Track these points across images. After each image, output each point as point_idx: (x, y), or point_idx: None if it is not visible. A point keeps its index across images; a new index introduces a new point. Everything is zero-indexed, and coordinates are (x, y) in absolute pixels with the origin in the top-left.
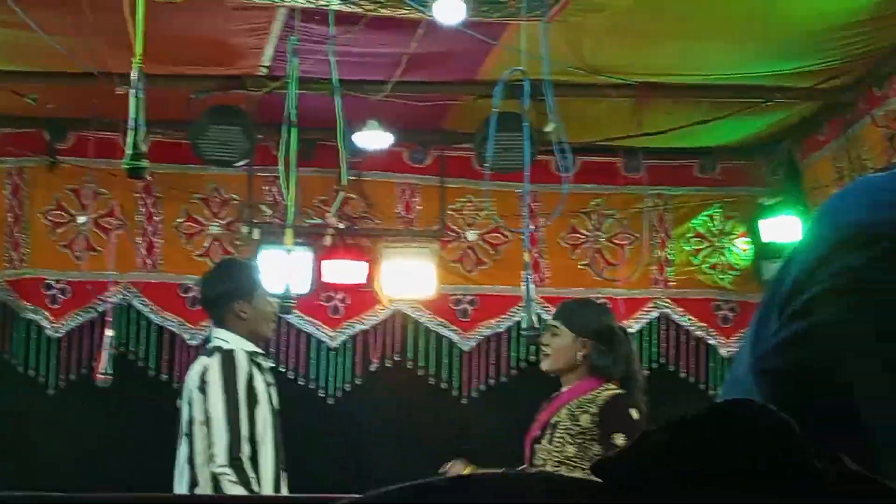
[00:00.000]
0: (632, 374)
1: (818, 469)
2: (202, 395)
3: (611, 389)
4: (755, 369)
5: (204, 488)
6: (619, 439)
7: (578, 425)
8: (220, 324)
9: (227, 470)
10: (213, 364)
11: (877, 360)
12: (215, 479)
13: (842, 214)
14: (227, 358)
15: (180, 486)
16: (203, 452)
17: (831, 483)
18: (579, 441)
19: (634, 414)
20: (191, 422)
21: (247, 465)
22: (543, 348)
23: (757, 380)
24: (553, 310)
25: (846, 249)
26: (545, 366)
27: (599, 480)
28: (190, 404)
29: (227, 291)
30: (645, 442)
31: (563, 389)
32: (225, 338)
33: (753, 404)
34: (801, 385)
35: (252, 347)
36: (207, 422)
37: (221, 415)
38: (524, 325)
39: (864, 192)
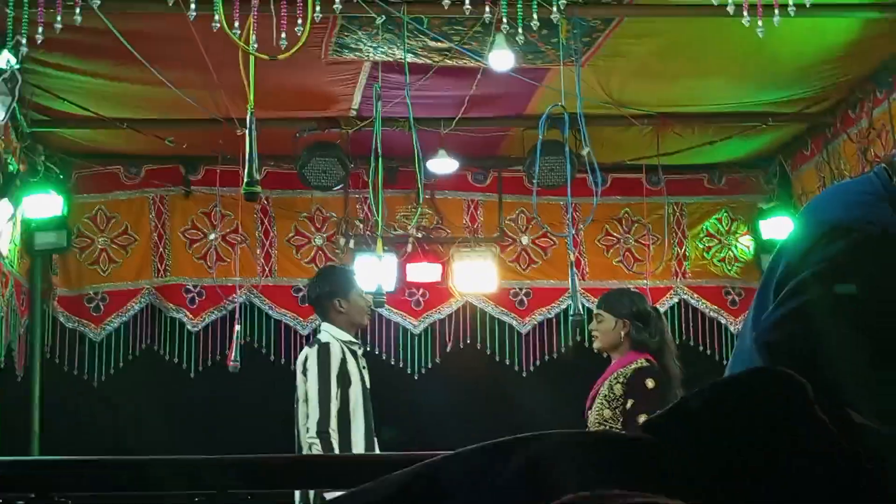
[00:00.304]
0: (666, 344)
1: (825, 421)
2: (304, 378)
3: (640, 363)
4: (757, 342)
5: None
6: (629, 404)
7: (613, 393)
8: (325, 318)
9: (315, 440)
10: (312, 354)
11: (852, 329)
12: (308, 447)
13: (822, 213)
14: (323, 348)
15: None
16: (302, 426)
17: (836, 432)
18: (614, 406)
19: (650, 384)
20: (297, 400)
21: (333, 437)
22: (593, 333)
23: (759, 351)
24: (594, 299)
25: (826, 241)
26: (596, 346)
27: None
28: (296, 385)
29: (328, 291)
30: (685, 403)
31: (612, 364)
32: (326, 330)
33: (774, 370)
34: (794, 353)
35: (348, 337)
36: (306, 400)
37: (315, 395)
38: (571, 312)
39: (838, 194)
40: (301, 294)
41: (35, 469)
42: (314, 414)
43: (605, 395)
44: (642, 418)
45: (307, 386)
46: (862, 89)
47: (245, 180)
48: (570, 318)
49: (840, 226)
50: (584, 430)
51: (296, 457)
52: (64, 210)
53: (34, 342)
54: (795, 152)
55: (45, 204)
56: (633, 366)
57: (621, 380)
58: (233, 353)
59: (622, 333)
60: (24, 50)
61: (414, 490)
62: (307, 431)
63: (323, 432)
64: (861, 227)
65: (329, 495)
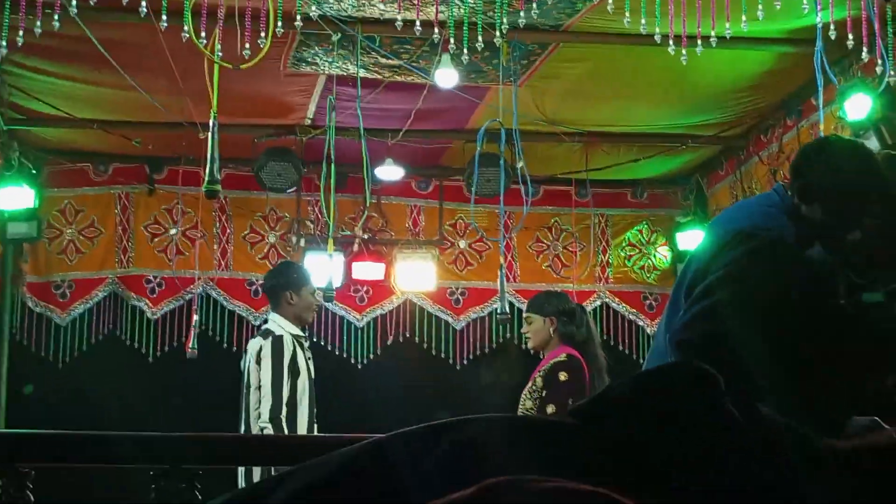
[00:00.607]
0: (591, 336)
1: (734, 413)
2: (258, 367)
3: (560, 357)
4: (671, 341)
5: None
6: (544, 394)
7: (535, 385)
8: (276, 309)
9: (268, 425)
10: (266, 345)
11: (753, 325)
12: (260, 431)
13: (727, 223)
14: (277, 340)
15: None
16: (253, 411)
17: (744, 422)
18: (535, 397)
19: (562, 377)
20: (248, 386)
21: (284, 423)
22: (525, 335)
23: (672, 350)
24: (524, 300)
25: (731, 246)
26: (530, 346)
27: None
28: (248, 373)
29: (282, 283)
30: (609, 391)
31: (543, 358)
32: (277, 321)
33: (692, 365)
34: (704, 350)
35: (296, 331)
36: (259, 388)
37: (268, 383)
38: (499, 311)
39: (742, 207)
40: (254, 287)
41: (2, 441)
42: (267, 401)
43: (530, 388)
44: (550, 408)
45: (260, 374)
46: (773, 116)
47: (206, 179)
48: (497, 316)
49: (743, 232)
50: (514, 415)
51: (245, 436)
52: (35, 202)
53: (3, 324)
54: (711, 171)
55: (18, 196)
56: (552, 360)
57: (542, 373)
58: (191, 341)
59: (551, 330)
60: (3, 52)
61: (360, 462)
62: (259, 417)
63: (275, 418)
64: (760, 232)
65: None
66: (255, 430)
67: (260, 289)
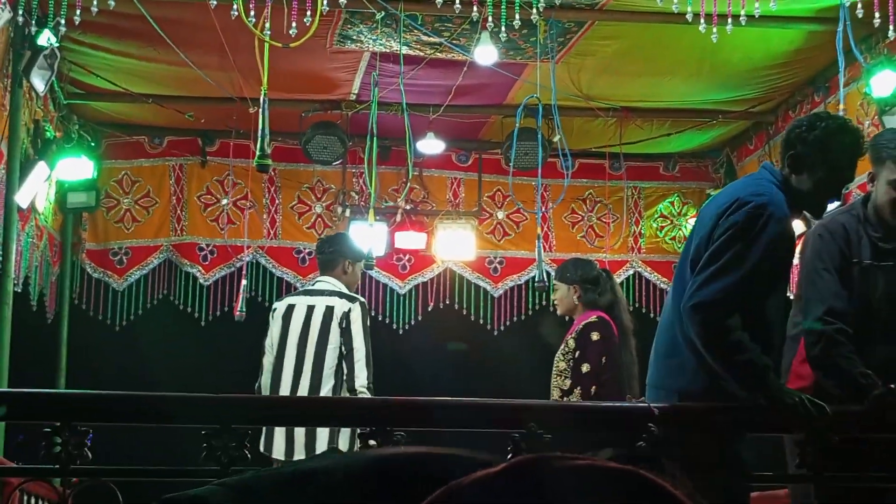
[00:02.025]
0: (617, 300)
1: None
2: (346, 329)
3: (590, 320)
4: (684, 308)
5: (327, 392)
6: (577, 354)
7: (568, 347)
8: (331, 273)
9: (366, 392)
10: (357, 308)
11: (754, 280)
12: (354, 394)
13: (724, 197)
14: (364, 306)
15: (302, 390)
16: (346, 374)
17: None
18: (568, 358)
19: (594, 336)
20: (323, 344)
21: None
22: (554, 301)
23: (686, 315)
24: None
25: (730, 213)
26: (559, 312)
27: None
28: (323, 331)
29: (343, 251)
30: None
31: (573, 324)
32: (335, 285)
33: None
34: (717, 307)
35: None
36: (353, 352)
37: (362, 348)
38: (536, 279)
39: (735, 184)
40: (301, 255)
41: (60, 400)
42: (364, 368)
43: (562, 350)
44: (584, 367)
45: (353, 338)
46: (802, 93)
47: (257, 153)
48: (535, 284)
49: (740, 199)
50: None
51: (298, 398)
52: (94, 174)
53: (63, 290)
54: (741, 146)
55: (78, 167)
56: (584, 322)
57: (574, 335)
58: (239, 305)
59: (575, 298)
60: (62, 30)
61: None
62: (357, 381)
63: (371, 385)
64: (756, 199)
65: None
66: (347, 394)
67: (307, 257)
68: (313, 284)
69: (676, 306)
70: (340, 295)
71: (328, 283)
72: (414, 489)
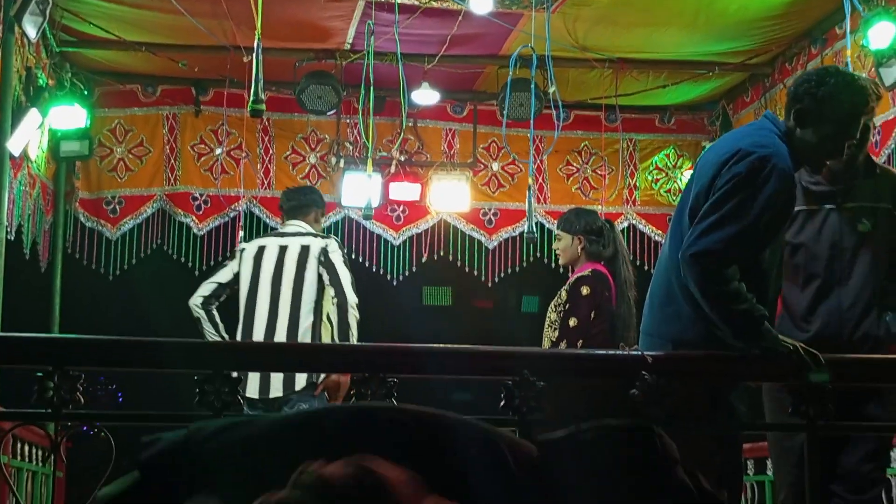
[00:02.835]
0: (619, 253)
1: (685, 480)
2: (326, 262)
3: (584, 273)
4: (683, 256)
5: (305, 329)
6: (566, 307)
7: (560, 299)
8: (304, 219)
9: (356, 311)
10: (333, 244)
11: (755, 231)
12: (354, 319)
13: (725, 146)
14: (339, 242)
15: (280, 327)
16: (340, 304)
17: (694, 489)
18: (559, 310)
19: (584, 291)
20: (299, 281)
21: None
22: (556, 251)
23: (684, 264)
24: (554, 221)
25: (732, 163)
26: (560, 262)
27: None
28: (299, 268)
29: (316, 201)
30: (578, 434)
31: (572, 275)
32: (308, 229)
33: (651, 430)
34: (716, 256)
35: None
36: (336, 276)
37: (347, 277)
38: (526, 230)
39: (736, 133)
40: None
41: (53, 345)
42: (353, 293)
43: (555, 300)
44: (572, 321)
45: (335, 267)
46: (798, 45)
47: (252, 99)
48: (526, 235)
49: (742, 150)
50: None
51: (283, 344)
52: (87, 122)
53: (57, 238)
54: (737, 98)
55: (71, 116)
56: (577, 276)
57: (567, 287)
58: None
59: (579, 248)
60: None
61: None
62: (349, 299)
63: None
64: (759, 150)
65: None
66: (336, 320)
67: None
68: (283, 228)
69: (674, 255)
70: (314, 235)
71: (300, 226)
72: (396, 438)
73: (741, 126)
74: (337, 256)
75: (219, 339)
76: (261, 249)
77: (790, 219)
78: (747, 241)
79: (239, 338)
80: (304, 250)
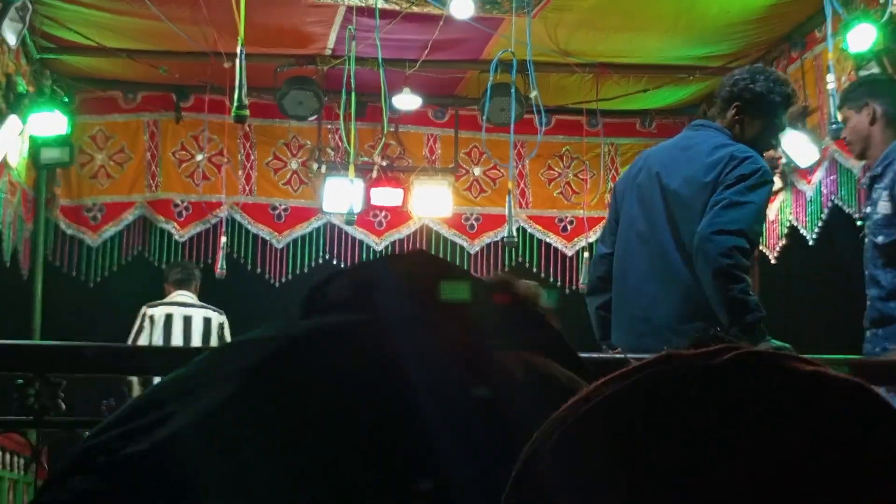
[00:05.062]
0: None
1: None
2: (223, 338)
3: None
4: (707, 232)
5: None
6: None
7: None
8: (187, 289)
9: None
10: (225, 319)
11: (758, 235)
12: None
13: (715, 151)
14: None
15: None
16: None
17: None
18: None
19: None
20: None
21: None
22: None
23: (710, 238)
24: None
25: (734, 167)
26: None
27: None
28: (188, 335)
29: (197, 275)
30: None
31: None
32: (198, 301)
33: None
34: (742, 238)
35: None
36: None
37: None
38: (506, 235)
39: (716, 142)
40: (277, 212)
41: (34, 352)
42: None
43: None
44: None
45: None
46: (778, 48)
47: (235, 104)
48: (505, 240)
49: (737, 155)
50: None
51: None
52: (67, 129)
53: (38, 246)
54: None
55: (51, 122)
56: None
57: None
58: (219, 262)
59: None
60: None
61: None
62: None
63: None
64: (748, 152)
65: None
66: None
67: (283, 213)
68: (177, 297)
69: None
70: (212, 308)
71: (191, 297)
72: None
73: (707, 137)
74: (228, 332)
75: None
76: (168, 318)
77: None
78: (755, 238)
79: None
80: (207, 322)
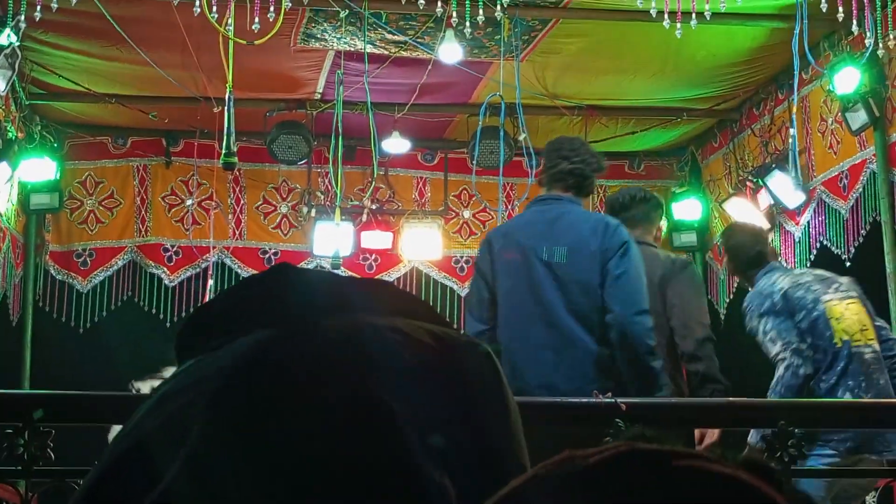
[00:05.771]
0: None
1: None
2: None
3: None
4: (635, 310)
5: None
6: None
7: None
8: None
9: None
10: None
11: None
12: None
13: (585, 218)
14: None
15: None
16: None
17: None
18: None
19: None
20: None
21: None
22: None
23: (638, 317)
24: None
25: (612, 233)
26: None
27: None
28: None
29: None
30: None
31: None
32: None
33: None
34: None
35: None
36: None
37: None
38: None
39: (581, 213)
40: (267, 256)
41: (23, 401)
42: None
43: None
44: None
45: None
46: (765, 90)
47: (224, 151)
48: None
49: (609, 222)
50: None
51: None
52: (57, 174)
53: (27, 292)
54: (705, 143)
55: (41, 168)
56: None
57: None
58: None
59: None
60: (23, 27)
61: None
62: None
63: None
64: (616, 221)
65: None
66: None
67: (273, 257)
68: (167, 373)
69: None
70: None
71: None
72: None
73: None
74: None
75: None
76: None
77: None
78: None
79: None
80: None
